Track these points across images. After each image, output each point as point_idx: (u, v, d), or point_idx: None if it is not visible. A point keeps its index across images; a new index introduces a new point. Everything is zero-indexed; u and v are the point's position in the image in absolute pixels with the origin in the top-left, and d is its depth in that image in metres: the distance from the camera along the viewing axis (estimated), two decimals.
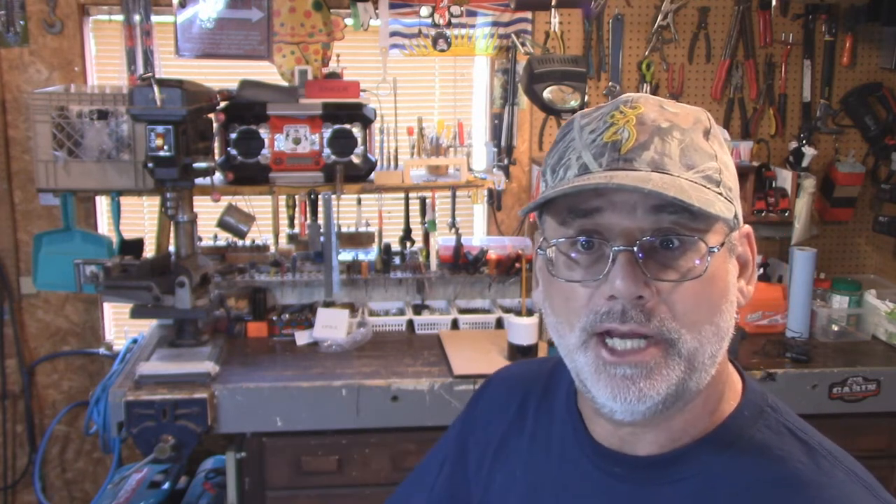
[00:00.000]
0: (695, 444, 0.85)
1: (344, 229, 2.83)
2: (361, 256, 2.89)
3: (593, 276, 0.81)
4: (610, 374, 0.81)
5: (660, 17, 2.94)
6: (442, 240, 2.89)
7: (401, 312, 2.87)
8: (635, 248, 0.79)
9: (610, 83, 2.96)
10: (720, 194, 0.81)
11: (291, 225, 2.78)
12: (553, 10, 2.73)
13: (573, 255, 0.83)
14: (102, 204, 2.87)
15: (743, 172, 2.69)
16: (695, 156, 0.81)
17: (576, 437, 0.93)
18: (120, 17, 2.73)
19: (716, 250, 0.80)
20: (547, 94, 2.59)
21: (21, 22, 2.69)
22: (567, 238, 0.83)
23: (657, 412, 0.81)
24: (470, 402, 1.13)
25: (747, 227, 0.88)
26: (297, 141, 2.66)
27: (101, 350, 2.91)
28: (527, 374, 1.08)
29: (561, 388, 1.00)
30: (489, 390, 1.11)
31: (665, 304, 0.80)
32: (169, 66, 2.79)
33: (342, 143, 2.67)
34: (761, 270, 2.92)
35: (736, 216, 0.83)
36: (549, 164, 0.88)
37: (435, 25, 2.80)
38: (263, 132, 2.65)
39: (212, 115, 2.54)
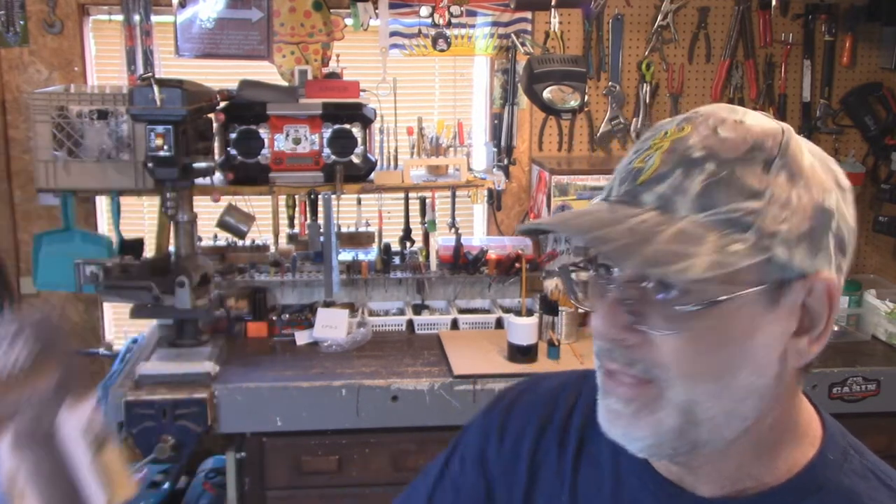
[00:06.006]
0: (773, 491, 0.79)
1: (344, 229, 2.83)
2: (361, 256, 2.89)
3: (590, 307, 0.78)
4: (605, 403, 0.78)
5: (660, 17, 2.94)
6: (442, 240, 2.89)
7: (401, 312, 2.87)
8: (622, 288, 0.74)
9: (610, 83, 2.97)
10: (740, 241, 0.70)
11: (291, 225, 2.78)
12: (553, 10, 2.73)
13: (580, 278, 0.80)
14: (102, 204, 2.87)
15: None
16: (722, 193, 0.71)
17: (631, 464, 0.86)
18: (120, 17, 2.73)
19: (702, 305, 0.71)
20: (547, 94, 2.59)
21: (21, 22, 2.69)
22: (573, 263, 0.80)
23: (667, 457, 0.78)
24: (498, 409, 1.02)
25: (827, 281, 0.74)
26: (297, 141, 2.66)
27: (101, 350, 2.91)
28: (565, 385, 0.99)
29: None
30: (525, 397, 1.01)
31: (653, 348, 0.73)
32: (169, 66, 2.79)
33: (342, 143, 2.67)
34: None
35: (783, 266, 0.72)
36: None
37: (435, 25, 2.80)
38: (263, 132, 2.65)
39: (212, 115, 2.54)
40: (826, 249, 0.73)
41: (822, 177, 0.74)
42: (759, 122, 0.75)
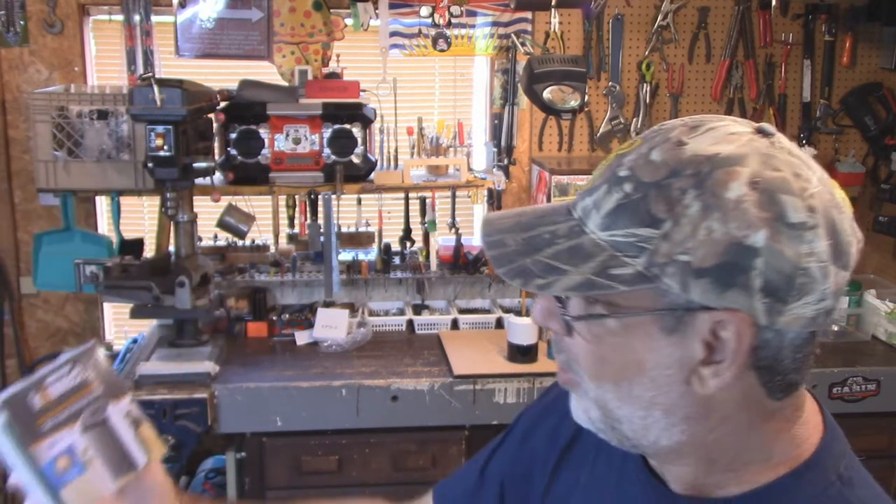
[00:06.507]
0: (728, 500, 0.79)
1: (344, 229, 2.83)
2: (361, 256, 2.89)
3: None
4: None
5: (660, 17, 2.94)
6: (442, 240, 2.89)
7: (401, 312, 2.87)
8: None
9: (610, 83, 2.96)
10: (627, 266, 0.71)
11: (291, 225, 2.78)
12: (553, 10, 2.72)
13: None
14: (102, 204, 2.87)
15: None
16: (626, 217, 0.72)
17: (632, 455, 0.88)
18: (120, 17, 2.73)
19: (576, 317, 0.76)
20: (547, 94, 2.59)
21: (21, 22, 2.69)
22: None
23: (617, 444, 0.80)
24: (550, 396, 1.07)
25: (739, 320, 0.70)
26: (297, 141, 2.66)
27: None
28: None
29: None
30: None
31: (569, 342, 0.79)
32: (169, 66, 2.79)
33: (342, 143, 2.67)
34: None
35: (678, 296, 0.71)
36: None
37: (435, 25, 2.80)
38: (263, 132, 2.65)
39: (212, 115, 2.54)
40: (742, 287, 0.69)
41: (752, 212, 0.68)
42: (703, 145, 0.72)
